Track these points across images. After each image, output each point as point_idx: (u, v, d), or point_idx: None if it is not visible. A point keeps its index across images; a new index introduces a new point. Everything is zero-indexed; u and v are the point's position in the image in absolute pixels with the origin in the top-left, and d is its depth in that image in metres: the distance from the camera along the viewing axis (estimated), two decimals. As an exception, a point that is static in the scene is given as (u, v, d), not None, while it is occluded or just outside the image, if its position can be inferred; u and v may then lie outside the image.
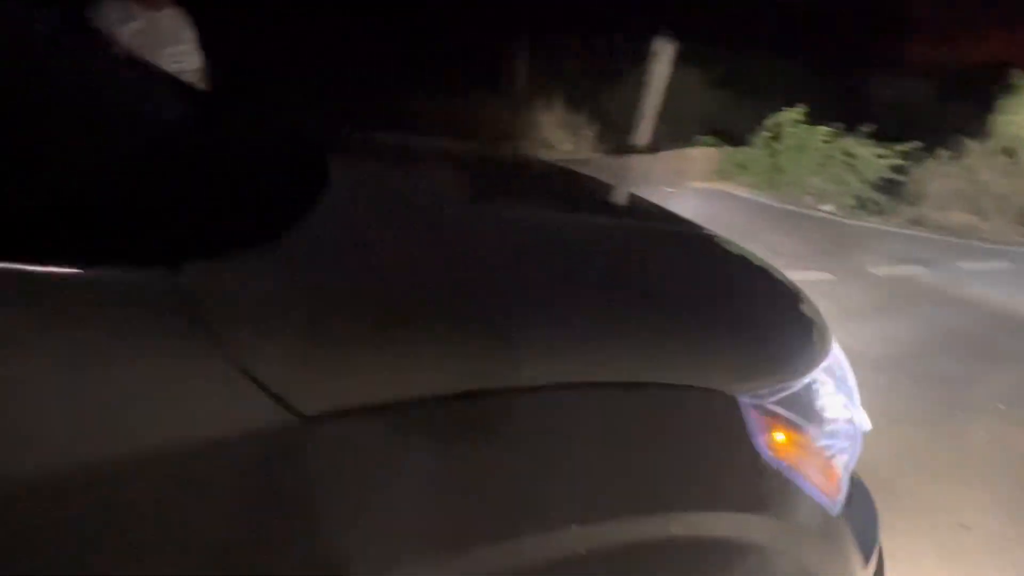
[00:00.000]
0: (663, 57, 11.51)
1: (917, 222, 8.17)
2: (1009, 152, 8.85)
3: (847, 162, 8.59)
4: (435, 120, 10.15)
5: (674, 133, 11.19)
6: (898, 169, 8.59)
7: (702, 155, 10.05)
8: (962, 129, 9.04)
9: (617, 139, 11.12)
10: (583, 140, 11.20)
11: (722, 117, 10.70)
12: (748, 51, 15.15)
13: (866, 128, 8.66)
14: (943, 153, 8.78)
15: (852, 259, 6.47)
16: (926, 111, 13.37)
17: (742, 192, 8.82)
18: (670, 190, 8.67)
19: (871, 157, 8.45)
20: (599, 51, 13.06)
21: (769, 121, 9.32)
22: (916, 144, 8.56)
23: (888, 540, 2.78)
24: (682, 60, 12.32)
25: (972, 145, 8.83)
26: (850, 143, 8.65)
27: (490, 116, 10.30)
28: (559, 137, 11.01)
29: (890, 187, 8.67)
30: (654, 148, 11.04)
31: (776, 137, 9.15)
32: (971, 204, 8.45)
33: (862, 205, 8.39)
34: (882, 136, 8.75)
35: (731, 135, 9.88)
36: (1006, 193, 8.33)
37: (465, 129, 10.24)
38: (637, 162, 10.48)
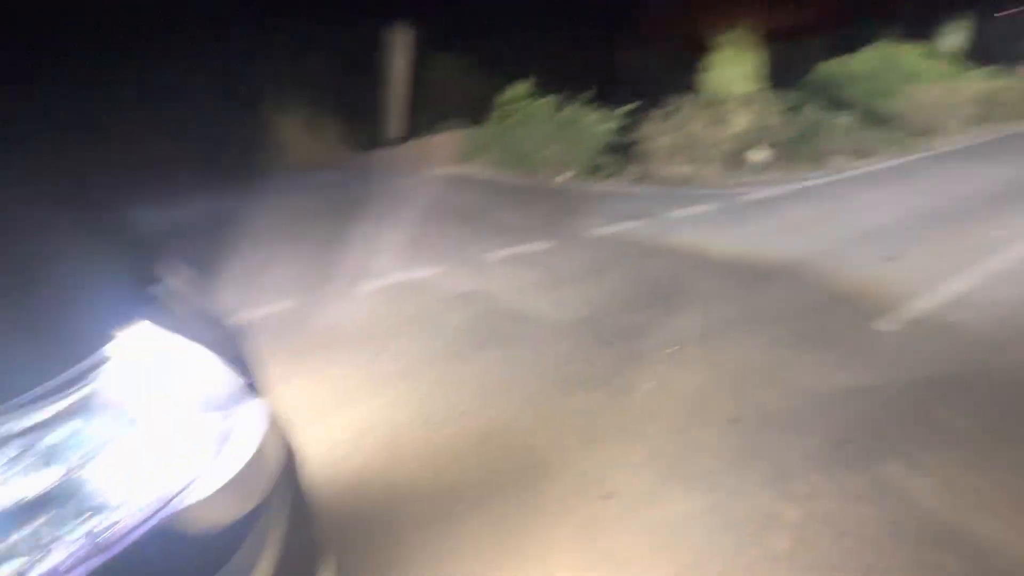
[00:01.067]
0: (401, 47, 11.10)
1: (645, 178, 8.60)
2: (713, 104, 9.68)
3: (577, 130, 8.83)
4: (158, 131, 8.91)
5: (424, 121, 10.94)
6: (625, 131, 8.99)
7: (448, 140, 9.85)
8: (678, 90, 9.73)
9: (364, 135, 10.61)
10: (327, 140, 10.51)
11: (468, 100, 10.61)
12: (490, 34, 15.40)
13: (587, 95, 8.95)
14: (660, 112, 9.36)
15: (576, 224, 6.53)
16: (648, 77, 14.47)
17: (481, 172, 8.71)
18: (407, 179, 8.31)
19: (596, 122, 8.76)
20: (337, 45, 12.40)
21: (500, 98, 9.31)
22: (636, 106, 9.01)
23: (532, 527, 2.49)
24: (427, 47, 12.07)
25: (685, 102, 9.51)
26: (576, 111, 8.90)
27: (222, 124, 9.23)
28: (301, 140, 10.24)
29: (621, 149, 9.06)
30: (403, 139, 10.70)
31: (508, 114, 9.17)
32: (689, 155, 9.11)
33: (596, 170, 8.67)
34: (609, 102, 9.12)
35: (475, 117, 9.78)
36: (714, 141, 9.08)
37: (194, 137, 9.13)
38: (384, 156, 10.05)
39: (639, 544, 2.36)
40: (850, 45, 14.70)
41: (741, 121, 9.32)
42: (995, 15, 18.74)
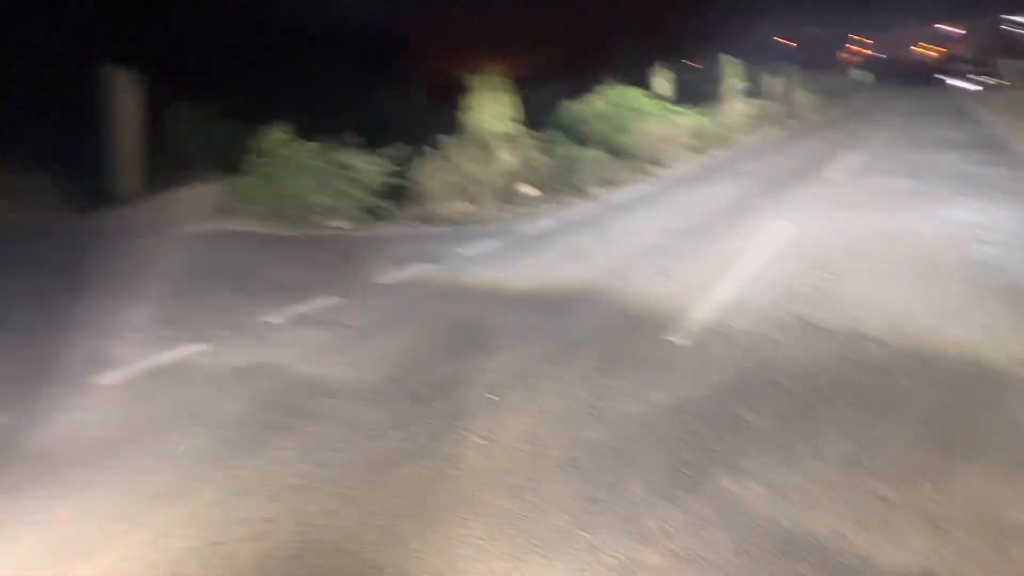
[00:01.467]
0: (128, 91, 9.55)
1: (425, 219, 8.42)
2: (480, 143, 9.93)
3: (347, 175, 8.36)
4: None
5: (168, 175, 9.53)
6: (397, 173, 8.74)
7: (202, 194, 8.66)
8: (443, 130, 9.78)
9: (82, 192, 8.87)
10: (37, 201, 8.59)
11: (220, 150, 9.50)
12: (243, 80, 14.24)
13: (352, 138, 8.55)
14: (432, 152, 9.32)
15: (361, 274, 6.05)
16: (414, 119, 14.56)
17: (246, 226, 7.78)
18: (155, 240, 7.06)
19: (366, 165, 8.38)
20: (50, 88, 10.34)
21: (258, 145, 8.47)
22: (405, 148, 8.81)
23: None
24: (166, 93, 10.59)
25: (453, 142, 9.59)
26: (343, 155, 8.43)
27: None
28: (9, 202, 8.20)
29: (396, 191, 8.78)
30: (141, 195, 9.19)
31: (270, 162, 8.36)
32: (464, 193, 9.18)
33: (373, 214, 8.27)
34: (375, 145, 8.79)
35: (231, 168, 8.73)
36: (487, 178, 9.29)
37: None
38: (116, 215, 8.49)
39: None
40: (583, 88, 16.47)
41: (508, 158, 9.69)
42: (683, 63, 22.64)
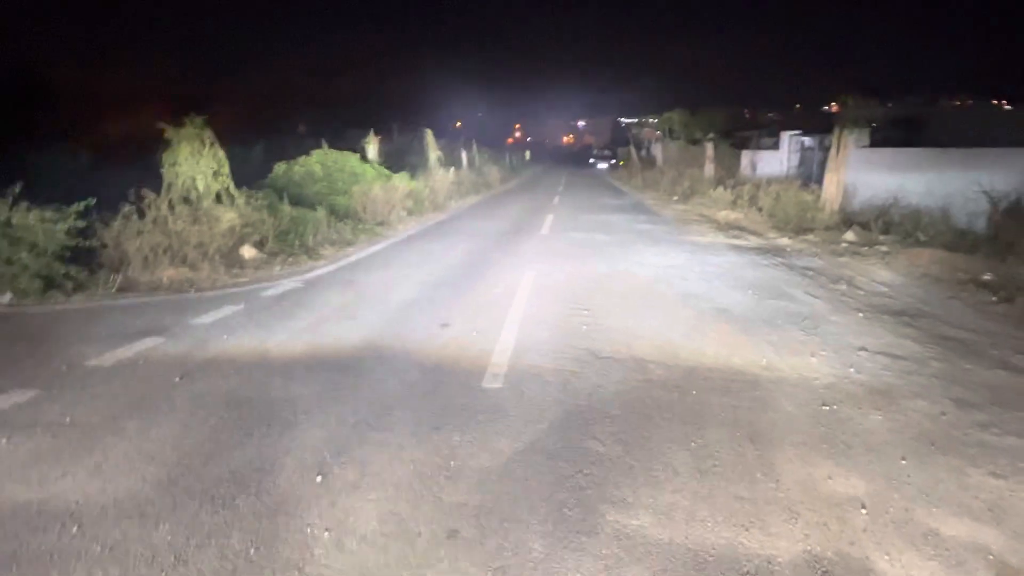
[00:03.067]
0: None
1: (128, 289, 6.82)
2: (187, 200, 8.55)
3: (11, 236, 6.35)
4: None
5: None
6: (84, 234, 6.97)
7: None
8: (138, 188, 8.17)
9: None
10: None
11: None
12: None
13: (12, 192, 6.58)
14: (130, 211, 7.69)
15: (63, 357, 4.56)
16: (84, 177, 12.09)
17: None
18: None
19: (38, 225, 6.49)
20: None
21: None
22: (88, 204, 7.05)
23: None
24: None
25: (156, 200, 8.07)
26: (2, 211, 6.42)
27: None
28: None
29: (85, 257, 6.98)
30: None
31: None
32: (177, 256, 7.75)
33: (54, 285, 6.39)
34: (49, 205, 6.85)
35: None
36: (203, 240, 8.01)
37: None
38: None
39: None
40: (286, 151, 15.69)
41: (227, 217, 8.53)
42: (387, 134, 23.49)
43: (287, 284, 7.22)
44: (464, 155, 24.95)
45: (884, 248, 9.41)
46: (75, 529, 2.53)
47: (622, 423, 3.55)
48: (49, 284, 6.43)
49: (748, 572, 2.32)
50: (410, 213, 14.01)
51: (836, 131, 12.26)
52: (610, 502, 2.76)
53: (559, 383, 4.15)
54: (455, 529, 2.56)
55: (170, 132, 8.88)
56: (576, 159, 57.47)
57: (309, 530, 2.54)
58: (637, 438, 3.37)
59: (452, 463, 3.09)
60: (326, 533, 2.52)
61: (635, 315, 5.79)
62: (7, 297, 6.10)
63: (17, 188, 6.63)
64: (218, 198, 8.94)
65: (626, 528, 2.57)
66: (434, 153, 19.61)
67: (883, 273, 7.91)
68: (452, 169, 20.19)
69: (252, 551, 2.41)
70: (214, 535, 2.50)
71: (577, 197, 20.61)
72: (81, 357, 4.57)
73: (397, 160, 18.33)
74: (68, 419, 3.54)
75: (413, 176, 16.00)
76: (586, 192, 22.94)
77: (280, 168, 13.47)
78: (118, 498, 2.76)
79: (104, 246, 7.39)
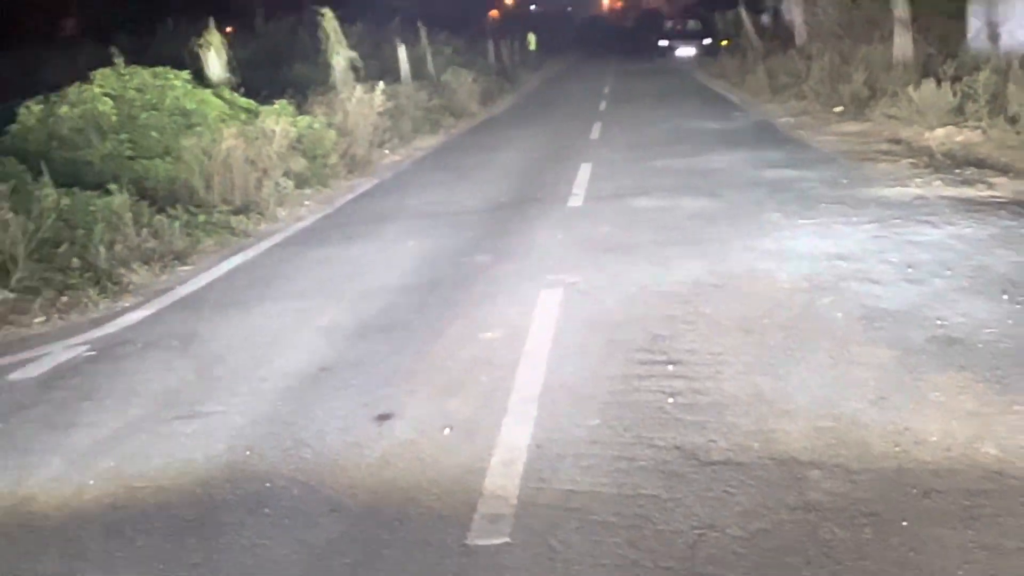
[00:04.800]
0: None
1: None
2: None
3: None
4: None
5: None
6: None
7: None
8: None
9: None
10: None
11: None
12: None
13: None
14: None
15: None
16: None
17: None
18: None
19: None
20: None
21: None
22: None
23: None
24: None
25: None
26: None
27: None
28: None
29: None
30: None
31: None
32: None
33: None
34: None
35: None
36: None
37: None
38: None
39: None
40: (39, 72, 7.49)
41: None
42: (255, 16, 12.26)
43: (60, 354, 3.29)
44: (403, 53, 11.53)
45: None
46: None
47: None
48: None
49: None
50: (301, 183, 6.38)
51: None
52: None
53: (624, 527, 1.60)
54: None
55: None
56: (632, 42, 27.75)
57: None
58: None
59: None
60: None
61: (772, 368, 2.54)
62: None
63: None
64: None
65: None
66: (342, 53, 9.22)
67: None
68: (380, 84, 8.54)
69: None
70: None
71: (638, 119, 10.34)
72: None
73: (267, 76, 9.04)
74: None
75: (301, 107, 7.50)
76: (655, 109, 11.27)
77: (31, 113, 6.05)
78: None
79: None
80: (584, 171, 6.65)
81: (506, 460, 2.04)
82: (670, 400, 2.36)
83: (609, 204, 5.43)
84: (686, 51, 21.42)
